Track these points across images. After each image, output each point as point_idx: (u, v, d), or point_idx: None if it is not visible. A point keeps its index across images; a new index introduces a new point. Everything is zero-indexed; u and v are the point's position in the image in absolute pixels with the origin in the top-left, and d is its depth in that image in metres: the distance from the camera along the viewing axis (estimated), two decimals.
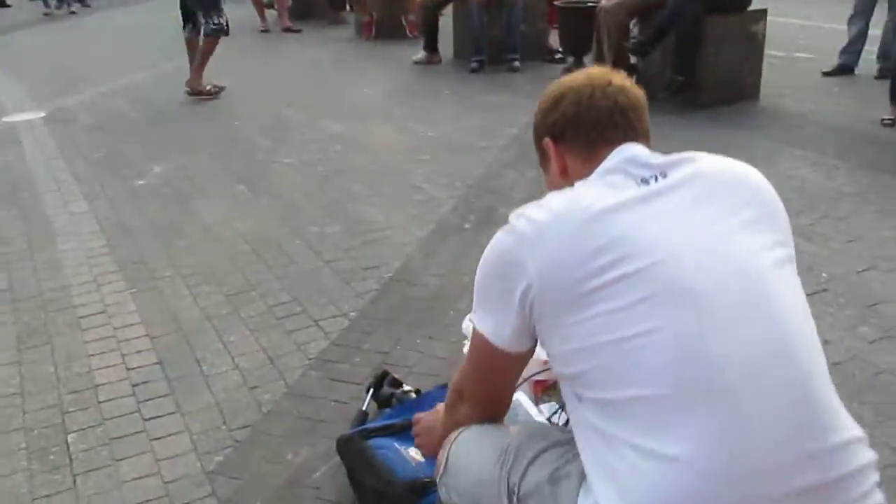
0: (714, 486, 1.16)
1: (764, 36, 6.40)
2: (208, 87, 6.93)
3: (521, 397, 2.28)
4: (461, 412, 1.60)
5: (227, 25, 6.69)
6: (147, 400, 2.74)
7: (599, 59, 6.83)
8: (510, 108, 6.37)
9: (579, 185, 1.41)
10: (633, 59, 6.45)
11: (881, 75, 7.03)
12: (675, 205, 1.33)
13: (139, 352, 3.05)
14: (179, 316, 3.30)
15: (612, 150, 1.44)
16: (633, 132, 1.49)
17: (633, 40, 6.31)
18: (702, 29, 6.03)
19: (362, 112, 6.46)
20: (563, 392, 1.40)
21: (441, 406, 1.75)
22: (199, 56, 6.76)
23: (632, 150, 1.44)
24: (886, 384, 2.69)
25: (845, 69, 7.18)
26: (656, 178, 1.37)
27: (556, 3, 7.46)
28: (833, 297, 3.26)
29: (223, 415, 2.65)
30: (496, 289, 1.39)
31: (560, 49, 7.73)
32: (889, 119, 5.70)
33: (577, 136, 1.50)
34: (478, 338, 1.47)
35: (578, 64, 7.24)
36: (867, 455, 1.26)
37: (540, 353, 2.51)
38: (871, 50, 7.14)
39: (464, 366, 1.59)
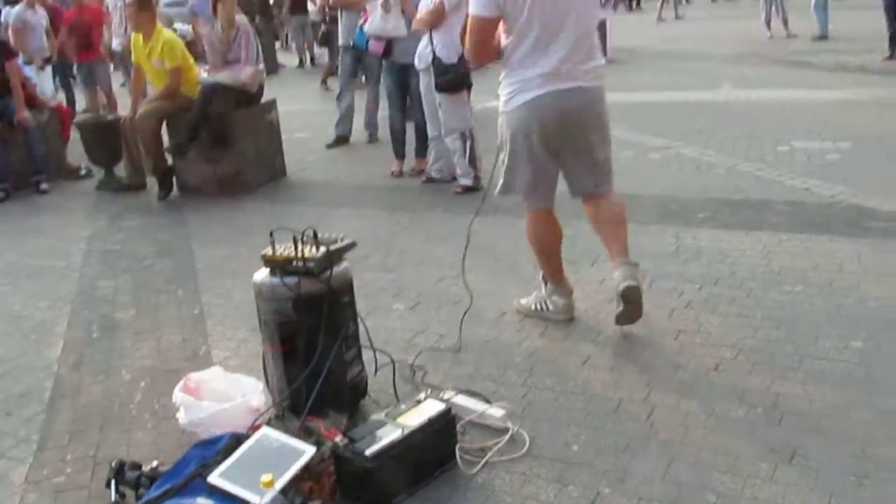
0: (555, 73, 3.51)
1: (278, 122, 7.33)
2: None
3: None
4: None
5: None
6: None
7: (134, 167, 7.18)
8: (66, 226, 6.42)
9: None
10: (169, 161, 6.93)
11: (371, 140, 8.43)
12: None
13: None
14: None
15: None
16: None
17: (171, 143, 6.80)
18: (229, 122, 6.74)
19: None
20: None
21: None
22: None
23: None
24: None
25: (343, 140, 8.45)
26: None
27: (74, 121, 7.60)
28: (428, 305, 4.18)
29: None
30: None
31: (85, 165, 7.85)
32: (397, 170, 6.96)
33: None
34: (472, 20, 3.55)
35: (110, 175, 7.45)
36: (602, 64, 3.68)
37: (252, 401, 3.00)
38: (357, 119, 8.49)
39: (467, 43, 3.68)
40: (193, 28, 11.47)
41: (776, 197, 5.54)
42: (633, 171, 6.54)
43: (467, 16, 3.68)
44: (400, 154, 6.99)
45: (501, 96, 3.69)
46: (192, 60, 7.19)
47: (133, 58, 7.33)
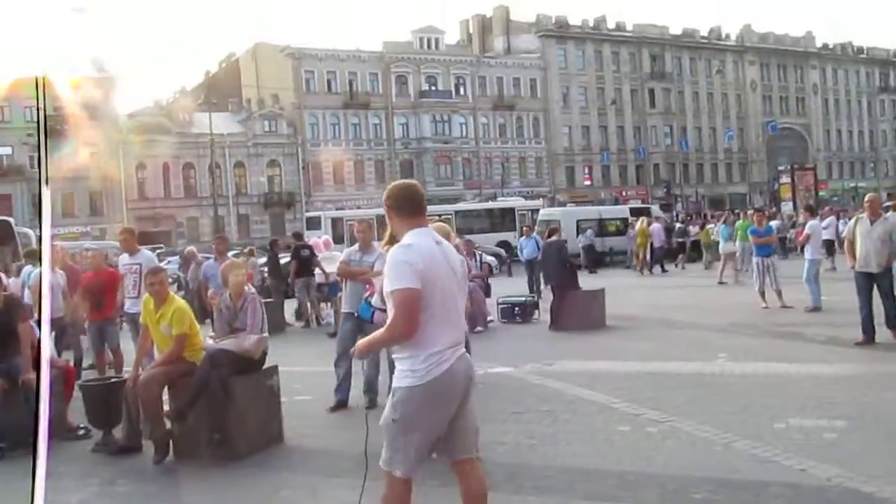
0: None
1: (279, 387, 7.44)
2: None
3: None
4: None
5: None
6: None
7: (132, 429, 7.20)
8: (56, 491, 6.28)
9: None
10: (168, 425, 6.96)
11: (370, 405, 8.47)
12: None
13: None
14: None
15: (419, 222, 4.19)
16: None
17: (170, 408, 6.87)
18: (230, 388, 6.84)
19: None
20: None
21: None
22: None
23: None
24: None
25: (343, 404, 8.51)
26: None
27: (78, 382, 7.73)
28: None
29: None
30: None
31: (83, 425, 7.87)
32: None
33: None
34: (403, 292, 3.87)
35: (108, 436, 7.45)
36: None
37: None
38: (357, 385, 8.58)
39: (394, 317, 3.91)
40: (203, 293, 11.89)
41: (773, 478, 5.50)
42: (631, 446, 6.55)
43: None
44: None
45: (415, 371, 3.98)
46: (197, 328, 7.44)
47: (141, 318, 7.61)
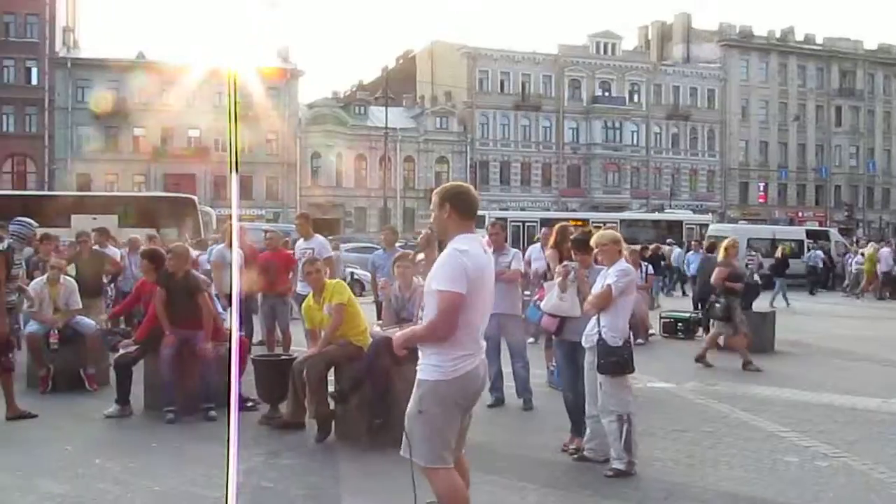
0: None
1: None
2: None
3: None
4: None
5: None
6: None
7: (296, 405, 7.50)
8: (223, 455, 6.67)
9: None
10: (331, 405, 7.21)
11: (526, 406, 8.50)
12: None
13: None
14: None
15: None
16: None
17: (335, 389, 7.11)
18: (394, 377, 7.00)
19: (74, 472, 6.32)
20: None
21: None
22: None
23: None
24: None
25: (500, 401, 8.58)
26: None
27: (251, 356, 8.15)
28: None
29: None
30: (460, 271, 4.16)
31: (253, 397, 8.26)
32: (572, 447, 6.84)
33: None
34: (451, 295, 4.11)
35: (274, 410, 7.79)
36: None
37: None
38: (510, 385, 8.63)
39: (436, 318, 4.17)
40: (372, 282, 12.21)
41: None
42: (798, 479, 6.26)
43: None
44: (578, 432, 6.88)
45: (442, 367, 4.23)
46: (359, 307, 7.73)
47: (307, 324, 7.97)
